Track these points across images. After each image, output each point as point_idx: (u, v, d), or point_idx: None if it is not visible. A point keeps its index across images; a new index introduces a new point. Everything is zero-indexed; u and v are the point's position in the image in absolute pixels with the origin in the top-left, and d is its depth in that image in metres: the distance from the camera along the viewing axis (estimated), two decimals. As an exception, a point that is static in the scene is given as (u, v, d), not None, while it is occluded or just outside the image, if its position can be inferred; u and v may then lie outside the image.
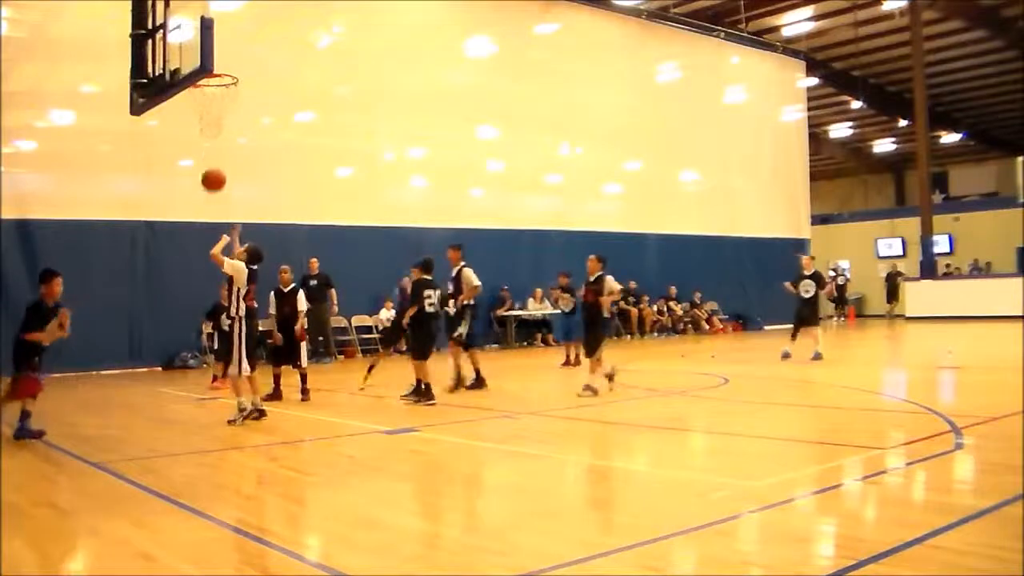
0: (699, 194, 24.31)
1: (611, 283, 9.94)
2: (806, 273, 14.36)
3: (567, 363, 13.93)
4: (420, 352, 9.77)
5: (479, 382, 10.79)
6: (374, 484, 6.01)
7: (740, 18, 23.85)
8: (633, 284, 21.48)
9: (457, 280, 10.80)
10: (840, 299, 27.75)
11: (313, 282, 15.06)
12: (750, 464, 6.13)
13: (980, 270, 29.44)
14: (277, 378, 10.35)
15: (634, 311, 21.48)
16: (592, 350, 9.89)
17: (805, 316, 14.23)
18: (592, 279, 10.09)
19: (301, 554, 4.18)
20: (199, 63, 7.90)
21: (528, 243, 19.81)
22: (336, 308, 15.85)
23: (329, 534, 4.71)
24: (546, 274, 19.59)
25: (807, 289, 14.16)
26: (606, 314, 9.99)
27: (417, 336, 10.04)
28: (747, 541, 4.34)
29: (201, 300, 15.33)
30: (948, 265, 29.78)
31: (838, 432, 7.67)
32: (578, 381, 10.44)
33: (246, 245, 8.75)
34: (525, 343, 19.81)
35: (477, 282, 10.67)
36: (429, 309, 9.90)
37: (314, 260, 15.48)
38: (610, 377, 10.07)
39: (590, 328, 10.07)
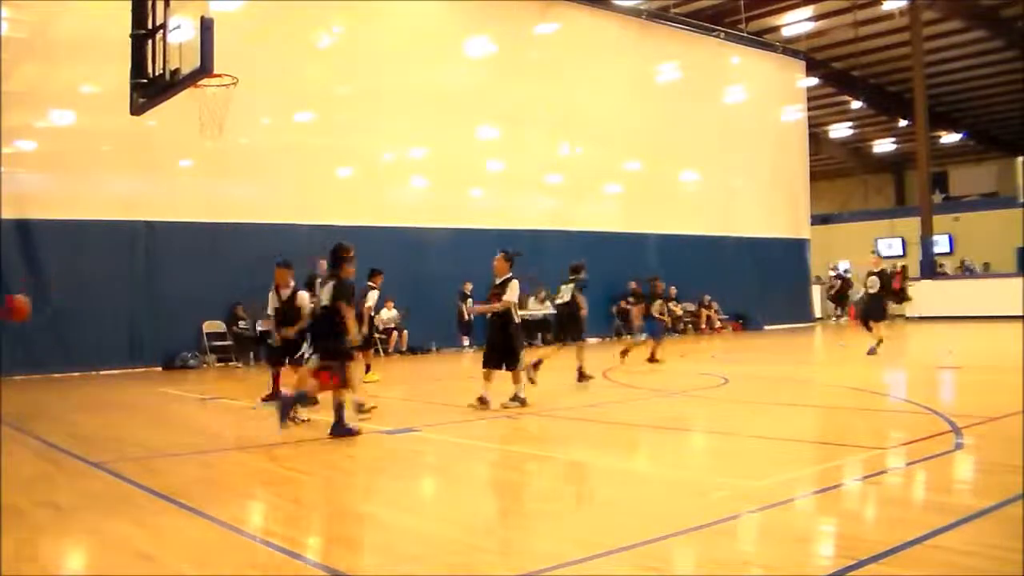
0: (699, 194, 24.31)
1: (513, 291, 8.85)
2: (874, 270, 14.99)
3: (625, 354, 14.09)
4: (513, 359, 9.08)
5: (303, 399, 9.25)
6: (374, 484, 6.01)
7: (740, 18, 23.86)
8: (634, 284, 21.50)
9: (291, 300, 9.76)
10: (842, 298, 27.88)
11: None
12: (750, 464, 6.13)
13: (971, 270, 29.42)
14: (276, 377, 10.33)
15: (635, 310, 21.45)
16: (514, 363, 8.90)
17: (870, 311, 14.81)
18: (498, 282, 9.12)
19: (301, 554, 4.17)
20: (199, 63, 7.88)
21: (528, 243, 19.79)
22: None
23: (329, 534, 4.71)
24: (546, 274, 19.59)
25: (872, 285, 14.75)
26: (517, 320, 8.96)
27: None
28: (747, 541, 4.34)
29: (201, 300, 15.40)
30: (942, 265, 29.81)
31: (838, 432, 7.67)
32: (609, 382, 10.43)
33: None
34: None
35: (310, 305, 9.39)
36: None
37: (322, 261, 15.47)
38: (517, 399, 8.97)
39: (505, 339, 8.91)
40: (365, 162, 18.02)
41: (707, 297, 23.57)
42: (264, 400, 9.85)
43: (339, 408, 7.41)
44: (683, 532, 4.29)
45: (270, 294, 10.26)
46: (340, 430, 7.35)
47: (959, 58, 28.35)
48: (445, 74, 18.64)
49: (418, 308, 17.64)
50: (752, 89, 25.57)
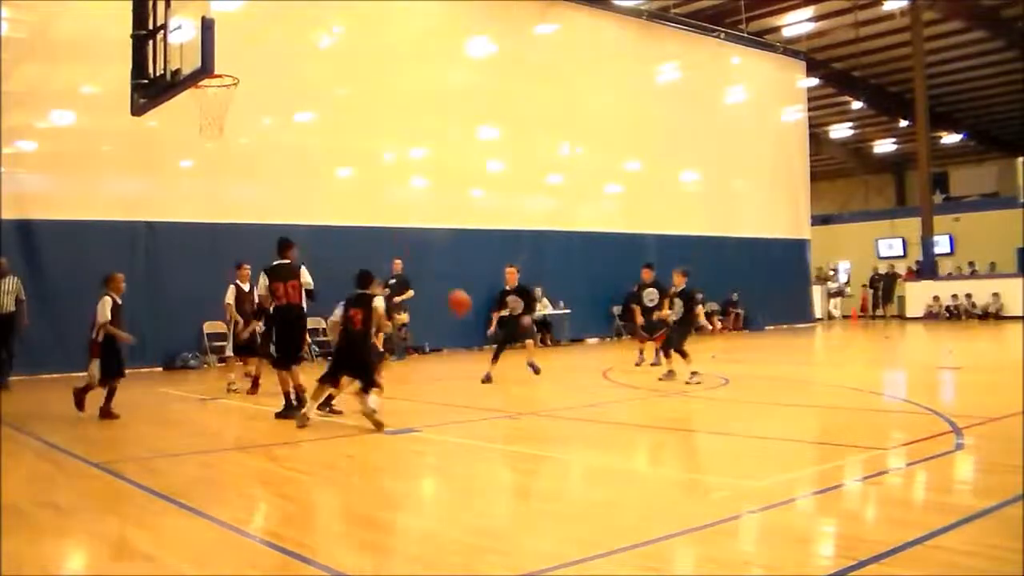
0: (699, 194, 24.29)
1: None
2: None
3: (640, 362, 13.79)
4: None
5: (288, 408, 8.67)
6: (374, 484, 6.01)
7: (740, 18, 23.84)
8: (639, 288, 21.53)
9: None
10: (887, 296, 28.54)
11: (392, 281, 15.28)
12: (750, 464, 6.13)
13: (975, 272, 29.45)
14: (257, 377, 10.73)
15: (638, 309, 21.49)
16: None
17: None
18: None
19: (301, 554, 4.17)
20: (200, 63, 7.88)
21: (528, 243, 19.82)
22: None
23: (329, 534, 4.71)
24: (546, 274, 19.59)
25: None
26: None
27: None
28: (748, 541, 4.34)
29: (202, 300, 15.37)
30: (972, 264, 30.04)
31: (839, 432, 7.66)
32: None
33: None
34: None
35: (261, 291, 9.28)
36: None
37: (398, 261, 15.65)
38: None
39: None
40: (365, 162, 18.00)
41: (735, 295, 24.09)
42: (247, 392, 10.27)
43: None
44: (683, 532, 4.29)
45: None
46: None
47: (960, 59, 28.33)
48: (445, 74, 18.63)
49: (418, 309, 17.64)
50: (752, 89, 25.55)
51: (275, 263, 9.01)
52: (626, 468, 6.27)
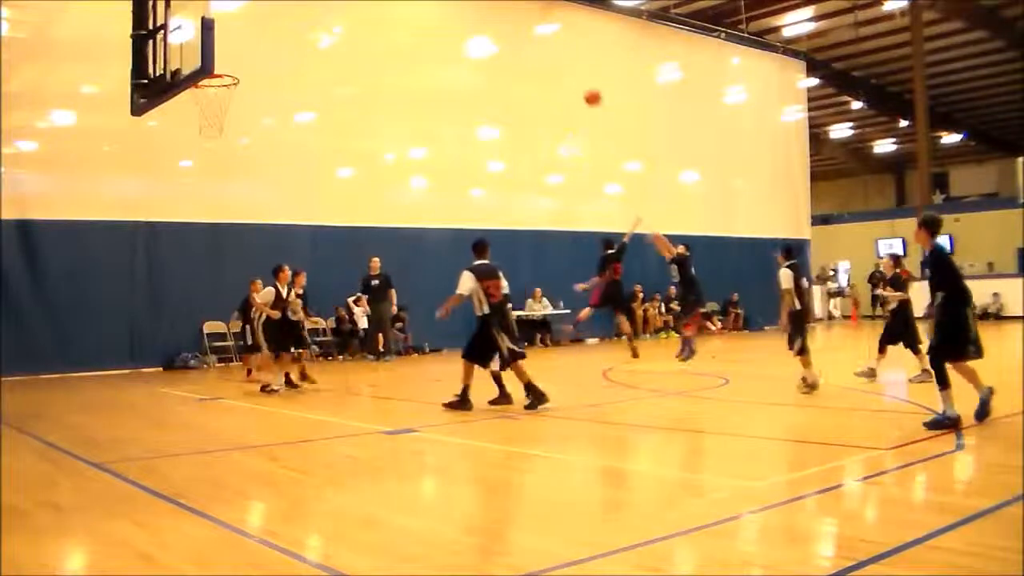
0: (699, 194, 24.29)
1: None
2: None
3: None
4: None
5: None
6: (374, 484, 6.00)
7: (741, 19, 23.85)
8: (639, 287, 21.52)
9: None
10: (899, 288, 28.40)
11: (375, 282, 15.27)
12: (750, 464, 6.13)
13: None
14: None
15: (640, 312, 21.55)
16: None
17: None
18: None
19: (301, 554, 4.18)
20: (200, 64, 7.89)
21: (529, 243, 19.80)
22: (395, 308, 16.17)
23: (329, 534, 4.71)
24: (546, 274, 19.59)
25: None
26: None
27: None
28: (747, 541, 4.34)
29: (201, 300, 15.40)
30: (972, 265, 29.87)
31: (839, 432, 7.66)
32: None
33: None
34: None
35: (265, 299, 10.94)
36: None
37: (375, 260, 15.65)
38: None
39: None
40: (365, 162, 18.01)
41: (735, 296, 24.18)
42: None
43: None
44: (683, 532, 4.29)
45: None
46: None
47: (960, 58, 28.33)
48: (445, 74, 18.64)
49: (418, 308, 17.64)
50: (752, 89, 25.55)
51: (478, 263, 9.02)
52: (626, 468, 6.27)
